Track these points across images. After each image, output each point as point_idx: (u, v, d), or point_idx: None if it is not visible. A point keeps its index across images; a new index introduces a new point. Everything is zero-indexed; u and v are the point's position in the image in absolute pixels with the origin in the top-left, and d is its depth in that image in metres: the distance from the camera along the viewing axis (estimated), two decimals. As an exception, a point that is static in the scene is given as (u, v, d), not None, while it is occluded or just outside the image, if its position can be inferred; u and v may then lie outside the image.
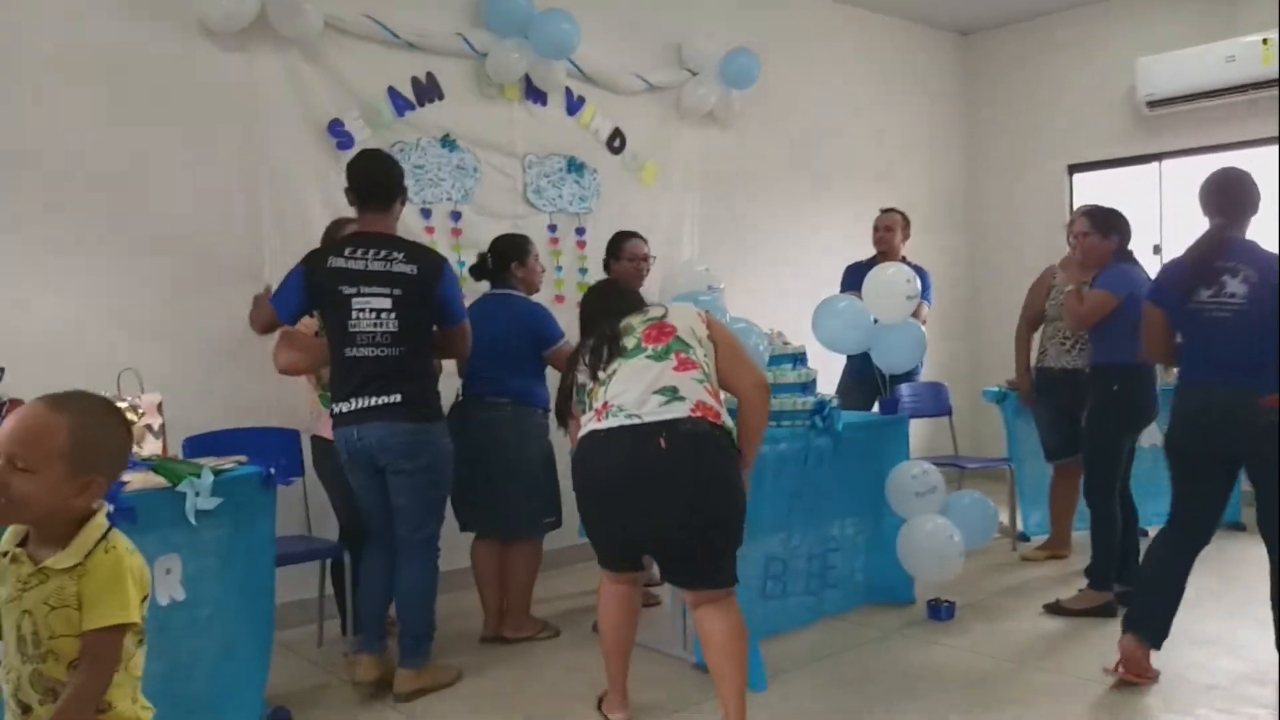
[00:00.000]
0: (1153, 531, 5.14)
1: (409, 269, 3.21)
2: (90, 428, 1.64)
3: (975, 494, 4.33)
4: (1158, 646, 3.31)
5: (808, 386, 3.94)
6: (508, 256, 3.96)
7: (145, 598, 1.71)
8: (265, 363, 3.60)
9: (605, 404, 2.83)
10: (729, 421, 2.86)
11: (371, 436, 3.20)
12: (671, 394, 2.78)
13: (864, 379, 4.97)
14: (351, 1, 4.41)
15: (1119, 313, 3.92)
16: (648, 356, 2.87)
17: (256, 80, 4.20)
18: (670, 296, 3.89)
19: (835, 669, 3.55)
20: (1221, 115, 6.23)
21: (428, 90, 4.70)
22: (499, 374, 3.80)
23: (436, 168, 4.72)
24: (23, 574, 1.65)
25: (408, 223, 4.25)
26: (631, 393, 2.80)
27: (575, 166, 5.24)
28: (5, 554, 1.68)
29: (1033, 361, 4.90)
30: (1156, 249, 6.53)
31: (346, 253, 3.21)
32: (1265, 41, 5.81)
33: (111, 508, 2.41)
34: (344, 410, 3.22)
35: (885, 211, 5.58)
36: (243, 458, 3.05)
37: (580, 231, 5.26)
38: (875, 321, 4.38)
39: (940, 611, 4.04)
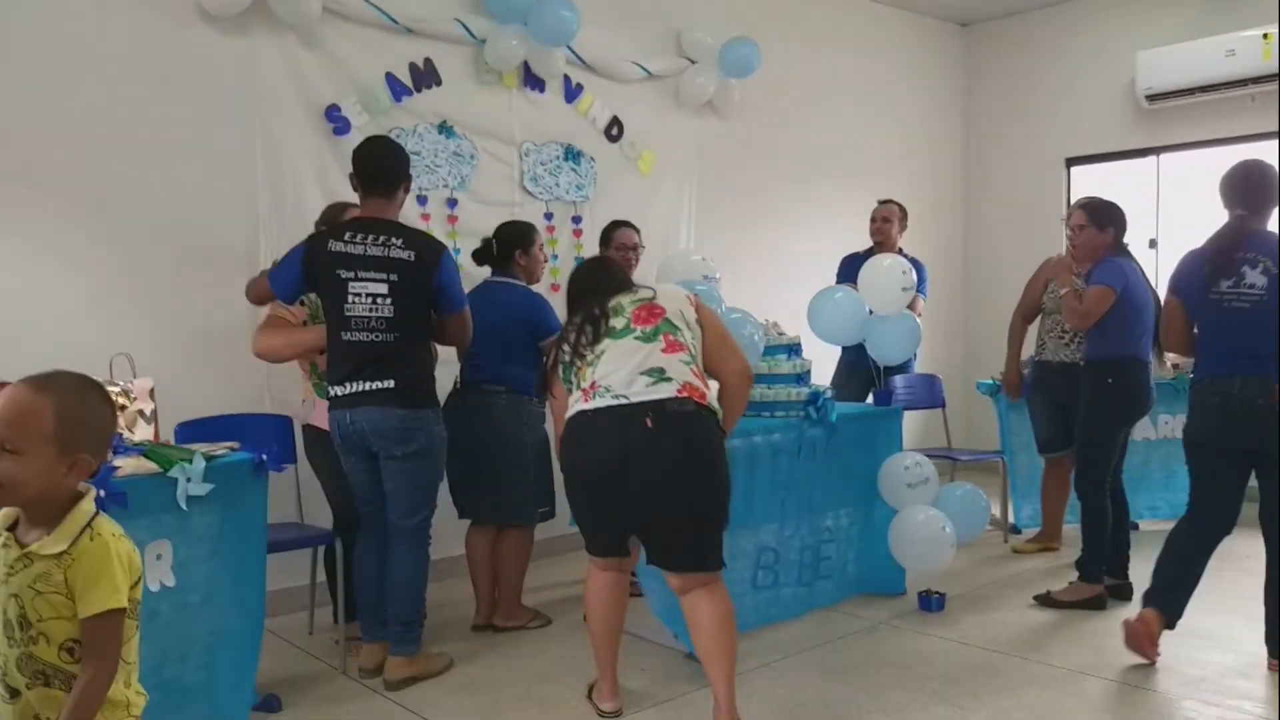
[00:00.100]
0: (1144, 525, 5.22)
1: (406, 255, 3.21)
2: (75, 406, 1.65)
3: (968, 486, 4.35)
4: (1171, 626, 3.37)
5: (802, 377, 3.94)
6: (512, 244, 3.96)
7: (137, 582, 1.71)
8: (258, 348, 3.59)
9: (593, 384, 2.85)
10: (715, 402, 2.88)
11: (364, 420, 3.21)
12: (659, 375, 2.80)
13: (859, 370, 4.98)
14: (349, -14, 4.40)
15: (1113, 306, 3.92)
16: (636, 338, 2.88)
17: (254, 65, 4.18)
18: (667, 286, 3.89)
19: (825, 659, 3.56)
20: (1220, 110, 6.22)
21: (425, 76, 4.69)
22: (496, 362, 3.80)
23: (433, 154, 4.71)
24: (9, 558, 1.65)
25: (404, 209, 4.23)
26: (619, 373, 2.82)
27: (572, 155, 5.23)
28: (-7, 539, 1.69)
29: (1031, 355, 4.91)
30: (1153, 243, 6.54)
31: (346, 237, 3.21)
32: (1265, 36, 5.81)
33: (102, 492, 2.42)
34: (339, 394, 3.24)
35: (883, 203, 5.57)
36: (235, 444, 3.04)
37: (577, 220, 5.25)
38: (870, 313, 4.37)
39: (931, 603, 4.05)
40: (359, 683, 3.39)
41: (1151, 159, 6.73)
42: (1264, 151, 4.57)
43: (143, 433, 2.94)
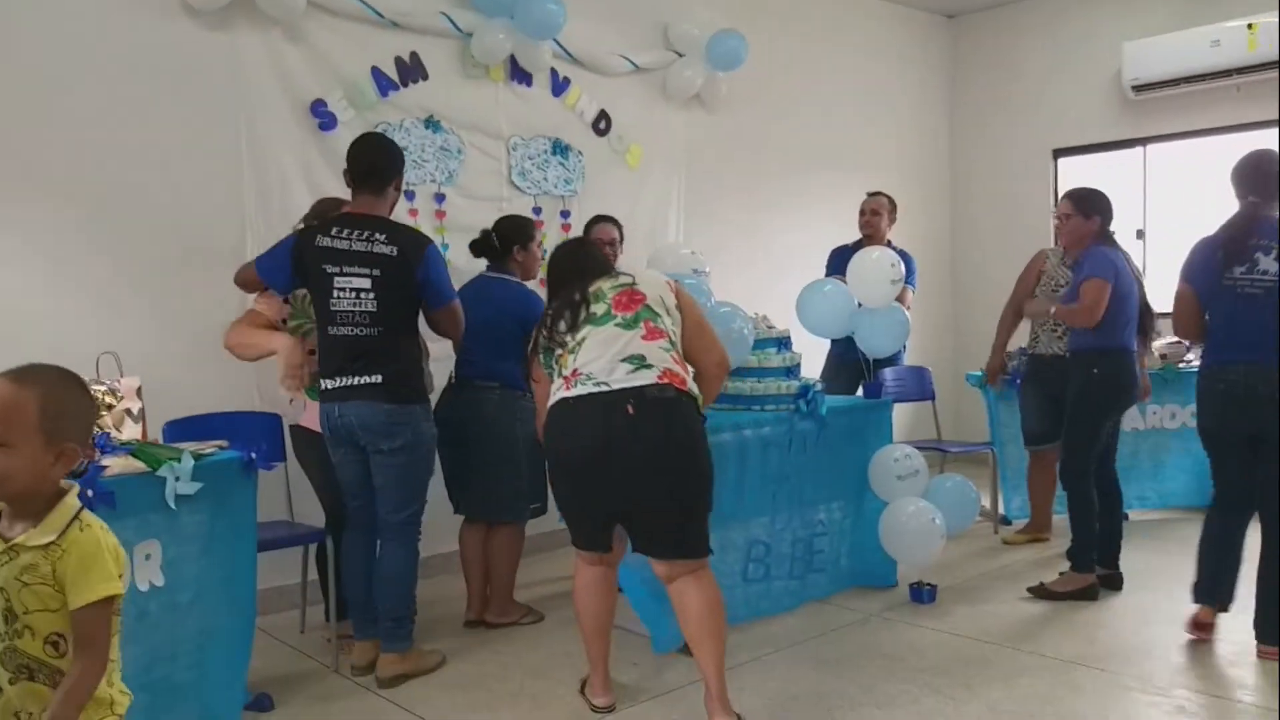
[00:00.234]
0: (1133, 515, 5.24)
1: (389, 250, 3.21)
2: (58, 398, 1.66)
3: (957, 478, 4.35)
4: (1227, 609, 3.48)
5: (792, 370, 3.95)
6: (511, 240, 3.94)
7: (120, 576, 1.70)
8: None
9: (575, 371, 2.86)
10: (695, 388, 2.89)
11: (352, 414, 3.21)
12: (639, 362, 2.82)
13: (848, 363, 4.98)
14: (334, -20, 4.36)
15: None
16: (616, 324, 2.89)
17: (238, 60, 4.14)
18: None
19: (817, 651, 3.56)
20: (1206, 100, 6.24)
21: (412, 71, 4.66)
22: (489, 358, 3.79)
23: (420, 149, 4.68)
24: None
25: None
26: (600, 361, 2.83)
27: (560, 149, 5.21)
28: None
29: (1023, 347, 4.92)
30: (1140, 234, 6.56)
31: (333, 232, 3.22)
32: (1250, 26, 5.83)
33: (90, 491, 2.40)
34: (328, 387, 3.24)
35: (872, 195, 5.56)
36: (224, 442, 3.03)
37: (565, 214, 5.24)
38: (859, 306, 4.37)
39: (922, 594, 4.06)
40: (351, 681, 3.38)
41: (1138, 149, 6.75)
42: (1249, 141, 4.61)
43: (130, 432, 2.92)
